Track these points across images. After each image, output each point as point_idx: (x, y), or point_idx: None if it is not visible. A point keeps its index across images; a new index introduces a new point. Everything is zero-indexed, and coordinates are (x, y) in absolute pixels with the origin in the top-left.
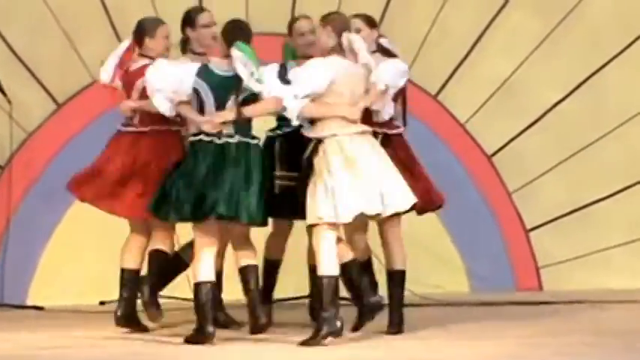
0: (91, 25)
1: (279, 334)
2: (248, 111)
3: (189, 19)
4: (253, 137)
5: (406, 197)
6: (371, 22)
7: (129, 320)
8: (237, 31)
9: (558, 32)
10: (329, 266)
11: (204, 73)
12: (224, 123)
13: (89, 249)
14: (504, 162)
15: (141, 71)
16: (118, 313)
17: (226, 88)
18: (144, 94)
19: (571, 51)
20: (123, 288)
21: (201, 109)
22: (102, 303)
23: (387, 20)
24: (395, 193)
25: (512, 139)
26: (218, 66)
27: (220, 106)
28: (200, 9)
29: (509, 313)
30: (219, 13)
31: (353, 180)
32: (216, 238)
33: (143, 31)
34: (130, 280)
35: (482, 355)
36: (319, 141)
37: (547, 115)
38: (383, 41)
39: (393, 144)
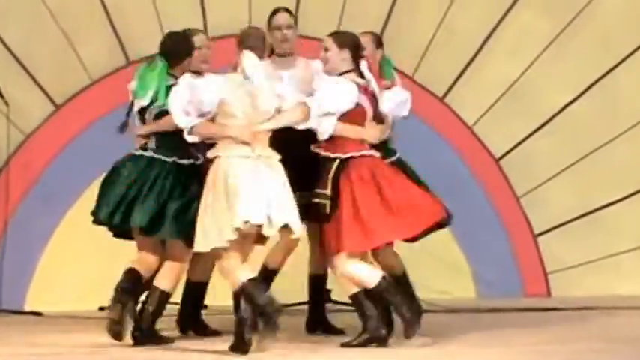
0: (90, 26)
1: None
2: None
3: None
4: None
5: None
6: (340, 42)
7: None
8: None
9: (568, 33)
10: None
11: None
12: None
13: (88, 253)
14: (512, 165)
15: None
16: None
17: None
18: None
19: (581, 52)
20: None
21: None
22: (101, 308)
23: (393, 22)
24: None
25: (520, 142)
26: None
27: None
28: (195, 31)
29: (516, 319)
30: (221, 15)
31: None
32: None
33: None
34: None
35: None
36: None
37: (556, 118)
38: (362, 65)
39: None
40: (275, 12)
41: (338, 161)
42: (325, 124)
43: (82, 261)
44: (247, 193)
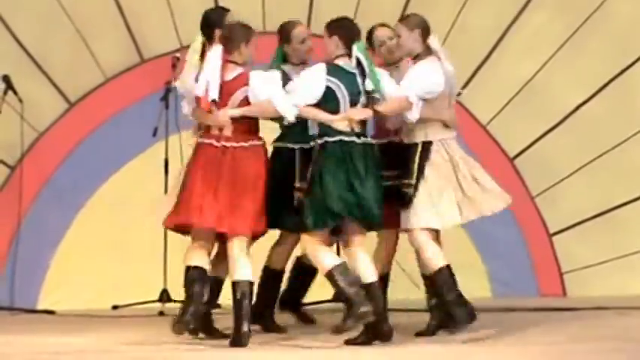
0: (104, 23)
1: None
2: (381, 107)
3: (284, 33)
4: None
5: None
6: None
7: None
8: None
9: (582, 32)
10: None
11: (335, 70)
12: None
13: (101, 252)
14: (527, 165)
15: (241, 80)
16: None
17: (356, 85)
18: (242, 104)
19: (595, 51)
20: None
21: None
22: (115, 307)
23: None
24: None
25: (534, 142)
26: (347, 64)
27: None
28: (295, 23)
29: (532, 319)
30: (235, 12)
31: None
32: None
33: (237, 37)
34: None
35: None
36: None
37: (571, 117)
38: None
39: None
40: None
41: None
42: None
43: (95, 260)
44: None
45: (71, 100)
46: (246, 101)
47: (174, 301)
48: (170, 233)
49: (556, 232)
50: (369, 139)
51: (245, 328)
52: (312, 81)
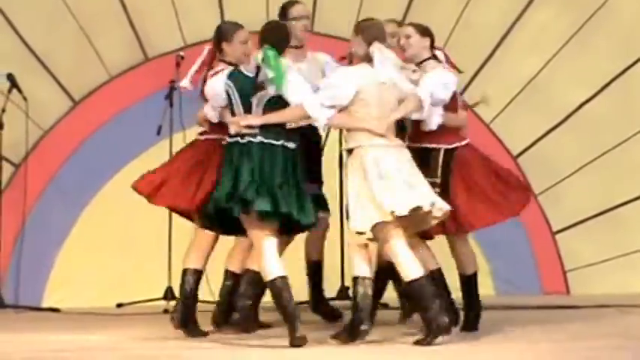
0: (108, 22)
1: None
2: (273, 117)
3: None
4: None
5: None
6: (422, 30)
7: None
8: (270, 34)
9: (587, 29)
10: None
11: (235, 76)
12: (249, 126)
13: (106, 250)
14: (530, 163)
15: (212, 77)
16: (177, 316)
17: (250, 89)
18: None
19: (599, 49)
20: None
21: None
22: (119, 305)
23: (411, 18)
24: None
25: (538, 140)
26: (248, 68)
27: (247, 108)
28: (237, 25)
29: (535, 317)
30: (239, 11)
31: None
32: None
33: (220, 35)
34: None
35: None
36: (349, 151)
37: (574, 115)
38: (437, 52)
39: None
40: (292, 3)
41: (443, 151)
42: (434, 113)
43: (100, 257)
44: (404, 180)
45: (75, 99)
46: None
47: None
48: (175, 230)
49: (559, 230)
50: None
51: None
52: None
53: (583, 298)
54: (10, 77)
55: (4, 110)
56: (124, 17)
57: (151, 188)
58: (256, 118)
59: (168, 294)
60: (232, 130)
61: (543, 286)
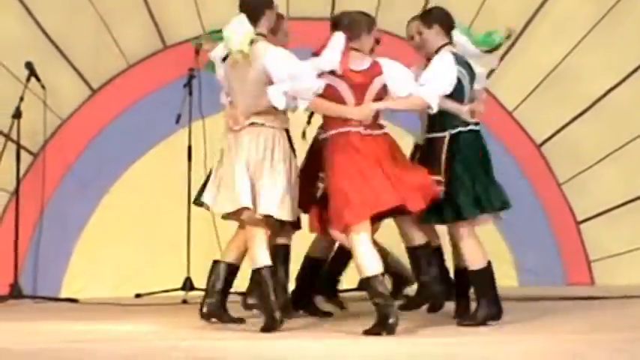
0: (127, 10)
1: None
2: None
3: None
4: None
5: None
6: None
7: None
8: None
9: (612, 16)
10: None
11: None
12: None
13: (124, 239)
14: (554, 151)
15: (375, 70)
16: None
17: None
18: (380, 95)
19: (625, 36)
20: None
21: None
22: (138, 296)
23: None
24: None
25: (562, 128)
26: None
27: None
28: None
29: (560, 307)
30: None
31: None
32: None
33: (360, 26)
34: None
35: (536, 352)
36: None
37: (599, 103)
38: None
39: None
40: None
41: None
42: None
43: (118, 247)
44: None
45: (94, 87)
46: (383, 91)
47: (198, 289)
48: (194, 220)
49: (584, 219)
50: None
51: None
52: (447, 71)
53: (608, 288)
54: (29, 66)
55: (22, 99)
56: (143, 5)
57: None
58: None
59: (187, 284)
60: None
61: (567, 276)
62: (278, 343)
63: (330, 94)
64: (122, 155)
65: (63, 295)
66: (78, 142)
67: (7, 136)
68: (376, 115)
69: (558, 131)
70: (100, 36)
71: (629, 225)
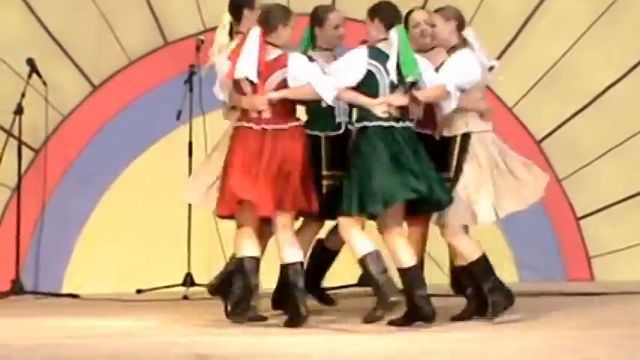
0: (128, 6)
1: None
2: (419, 94)
3: (317, 18)
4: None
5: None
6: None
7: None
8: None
9: (611, 12)
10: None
11: (377, 54)
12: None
13: (125, 235)
14: (554, 147)
15: (280, 62)
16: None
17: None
18: (280, 86)
19: (624, 32)
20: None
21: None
22: (139, 291)
23: (431, 5)
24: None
25: (562, 124)
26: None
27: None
28: (329, 8)
29: (559, 303)
30: None
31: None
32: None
33: (275, 19)
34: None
35: (536, 348)
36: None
37: (599, 99)
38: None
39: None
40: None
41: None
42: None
43: (119, 243)
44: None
45: (95, 83)
46: (283, 83)
47: (199, 285)
48: (195, 216)
49: (583, 215)
50: (407, 124)
51: (302, 309)
52: (354, 64)
53: (608, 284)
54: (30, 62)
55: (23, 95)
56: (144, 1)
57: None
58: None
59: (188, 280)
60: (380, 110)
61: (567, 272)
62: (279, 339)
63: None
64: (123, 151)
65: (64, 291)
66: (79, 139)
67: (9, 132)
68: (287, 110)
69: (558, 127)
70: (101, 32)
71: (629, 221)
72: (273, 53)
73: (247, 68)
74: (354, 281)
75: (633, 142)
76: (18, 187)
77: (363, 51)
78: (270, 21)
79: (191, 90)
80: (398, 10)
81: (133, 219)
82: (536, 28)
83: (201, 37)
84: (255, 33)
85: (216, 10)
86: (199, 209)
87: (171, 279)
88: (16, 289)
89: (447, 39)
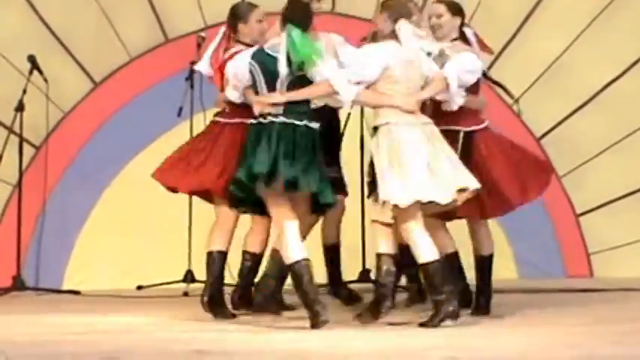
0: (129, 3)
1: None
2: (298, 94)
3: (239, 14)
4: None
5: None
6: (454, 9)
7: (215, 304)
8: (294, 13)
9: (612, 8)
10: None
11: (258, 55)
12: (274, 104)
13: (126, 232)
14: (554, 144)
15: (230, 59)
16: (205, 298)
17: (274, 69)
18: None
19: (625, 27)
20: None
21: (256, 91)
22: (139, 288)
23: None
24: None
25: (562, 121)
26: (272, 48)
27: (271, 88)
28: (252, 4)
29: (559, 300)
30: None
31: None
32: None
33: (236, 16)
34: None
35: (536, 344)
36: (375, 129)
37: (599, 95)
38: (467, 31)
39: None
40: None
41: (463, 134)
42: (458, 94)
43: (120, 240)
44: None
45: (96, 80)
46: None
47: (199, 282)
48: (195, 212)
49: (583, 212)
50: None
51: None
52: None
53: (607, 281)
54: (31, 59)
55: (25, 92)
56: None
57: (173, 178)
58: (281, 96)
59: (188, 277)
60: (256, 110)
61: (567, 269)
62: (279, 336)
63: None
64: (124, 148)
65: (65, 287)
66: (80, 135)
67: (10, 129)
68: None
69: (558, 124)
70: (102, 29)
71: (628, 218)
72: (232, 50)
73: (202, 63)
74: (354, 278)
75: (633, 139)
76: (19, 183)
77: (246, 53)
78: (230, 19)
79: (192, 87)
80: (407, 5)
81: (133, 215)
82: (536, 25)
83: (202, 34)
84: (220, 31)
85: (217, 7)
86: (200, 206)
87: (171, 275)
88: (17, 285)
89: (449, 33)
